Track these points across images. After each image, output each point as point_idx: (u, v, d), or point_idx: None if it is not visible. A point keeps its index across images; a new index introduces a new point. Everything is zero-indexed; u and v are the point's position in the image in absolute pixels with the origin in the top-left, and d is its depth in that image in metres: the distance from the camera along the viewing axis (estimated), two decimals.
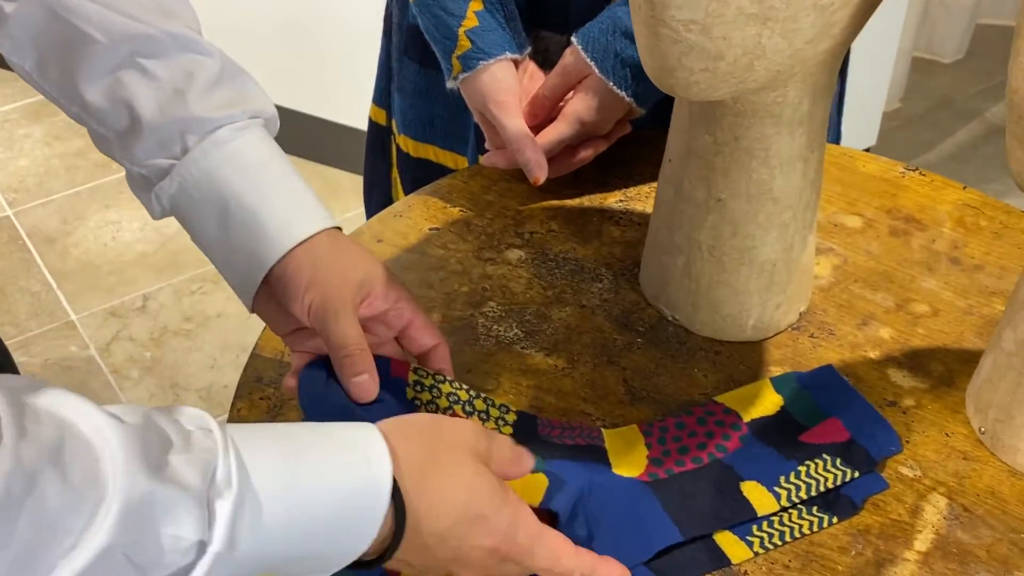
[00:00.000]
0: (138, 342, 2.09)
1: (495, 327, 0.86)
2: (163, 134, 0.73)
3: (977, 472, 0.76)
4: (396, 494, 0.57)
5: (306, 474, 0.55)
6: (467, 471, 0.61)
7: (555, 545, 0.63)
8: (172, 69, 0.73)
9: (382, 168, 1.21)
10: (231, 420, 0.80)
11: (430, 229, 0.95)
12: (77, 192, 2.44)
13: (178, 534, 0.49)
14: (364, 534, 0.56)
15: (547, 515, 0.68)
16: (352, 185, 2.43)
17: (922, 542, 0.72)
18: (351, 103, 2.01)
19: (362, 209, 1.29)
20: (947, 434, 0.78)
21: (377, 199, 1.23)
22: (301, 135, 2.42)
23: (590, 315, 0.87)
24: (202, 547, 0.50)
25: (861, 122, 2.29)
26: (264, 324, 0.84)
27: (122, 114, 0.74)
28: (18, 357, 2.01)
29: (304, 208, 0.74)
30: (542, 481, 0.69)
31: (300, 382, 0.72)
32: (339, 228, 0.76)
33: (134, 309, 2.16)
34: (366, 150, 1.23)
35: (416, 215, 0.96)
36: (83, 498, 0.48)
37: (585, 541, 0.68)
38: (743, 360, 0.84)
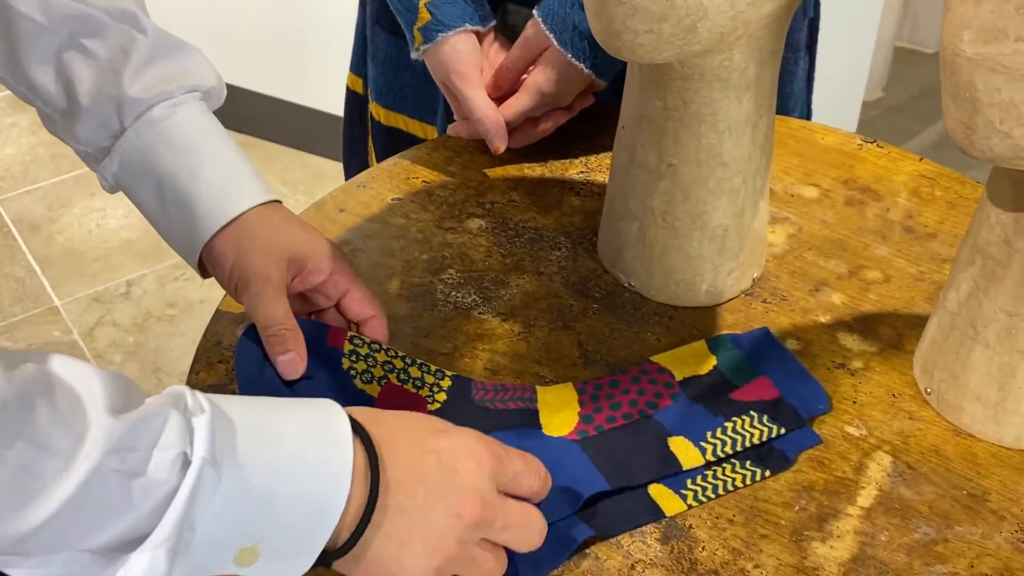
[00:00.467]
0: (121, 327, 2.10)
1: (454, 293, 0.87)
2: (100, 115, 0.75)
3: (922, 431, 0.77)
4: (357, 429, 0.59)
5: (269, 412, 0.58)
6: (406, 415, 0.62)
7: (518, 451, 0.65)
8: (111, 47, 0.75)
9: (360, 135, 1.22)
10: (189, 383, 0.81)
11: (392, 199, 0.96)
12: (62, 180, 2.45)
13: (163, 445, 0.52)
14: (340, 463, 0.57)
15: None
16: (336, 173, 2.44)
17: (865, 498, 0.73)
18: (334, 90, 2.03)
19: None
20: (894, 395, 0.80)
21: (356, 166, 1.24)
22: (284, 123, 2.44)
23: (548, 282, 0.89)
24: (186, 461, 0.52)
25: (841, 111, 2.30)
26: None
27: (64, 94, 0.75)
28: (2, 342, 2.03)
29: (234, 187, 0.76)
30: None
31: (236, 358, 0.75)
32: (277, 201, 0.77)
33: (118, 295, 2.17)
34: (344, 118, 1.24)
35: (379, 186, 0.97)
36: (70, 424, 0.51)
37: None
38: (696, 324, 0.85)
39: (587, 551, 0.70)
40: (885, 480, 0.74)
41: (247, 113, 2.47)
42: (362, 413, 0.61)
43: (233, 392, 0.79)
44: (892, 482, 0.74)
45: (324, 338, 0.77)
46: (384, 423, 0.61)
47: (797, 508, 0.72)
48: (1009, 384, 0.74)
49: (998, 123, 0.61)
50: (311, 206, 0.95)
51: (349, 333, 0.77)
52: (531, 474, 0.65)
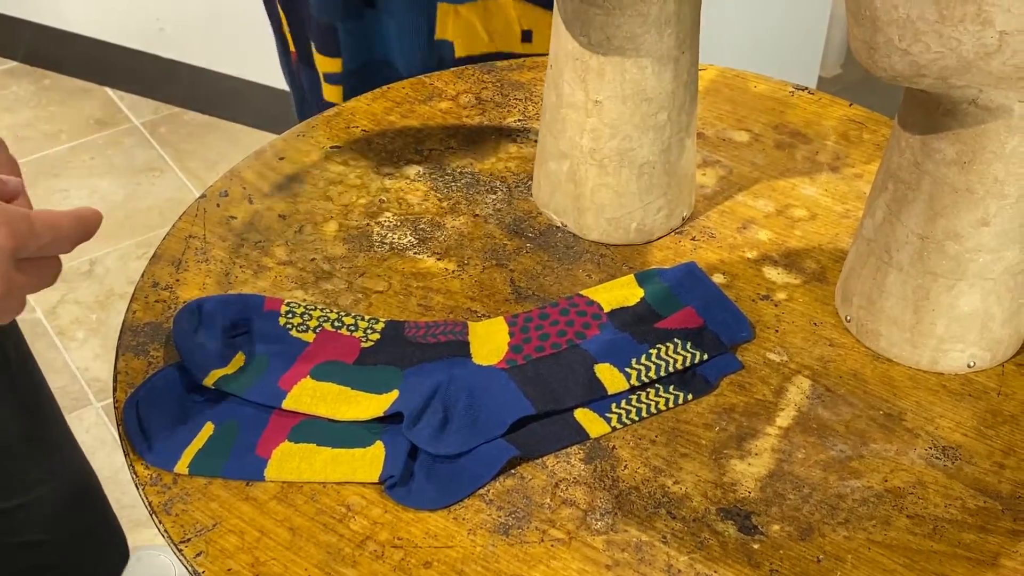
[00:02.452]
0: (84, 305, 2.10)
1: (390, 235, 0.89)
2: None
3: (842, 356, 0.79)
4: None
5: None
6: None
7: (50, 215, 0.65)
8: None
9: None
10: (126, 321, 0.82)
11: (331, 147, 0.97)
12: (27, 161, 2.44)
13: None
14: None
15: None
16: None
17: (784, 418, 0.75)
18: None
19: None
20: (815, 324, 0.82)
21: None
22: (247, 103, 2.44)
23: (483, 223, 0.90)
24: None
25: None
26: (168, 231, 0.88)
27: None
28: None
29: None
30: (393, 396, 0.74)
31: (173, 324, 0.78)
32: None
33: (80, 273, 2.17)
34: None
35: (319, 135, 0.98)
36: None
37: (440, 424, 0.71)
38: (627, 261, 0.87)
39: (512, 471, 0.72)
40: (804, 402, 0.76)
41: (207, 93, 2.48)
42: None
43: (167, 331, 0.80)
44: (811, 404, 0.76)
45: (260, 305, 0.80)
46: None
47: (717, 429, 0.74)
48: (923, 306, 0.76)
49: (897, 40, 0.63)
50: (251, 154, 0.96)
51: (285, 300, 0.81)
52: (60, 241, 0.65)
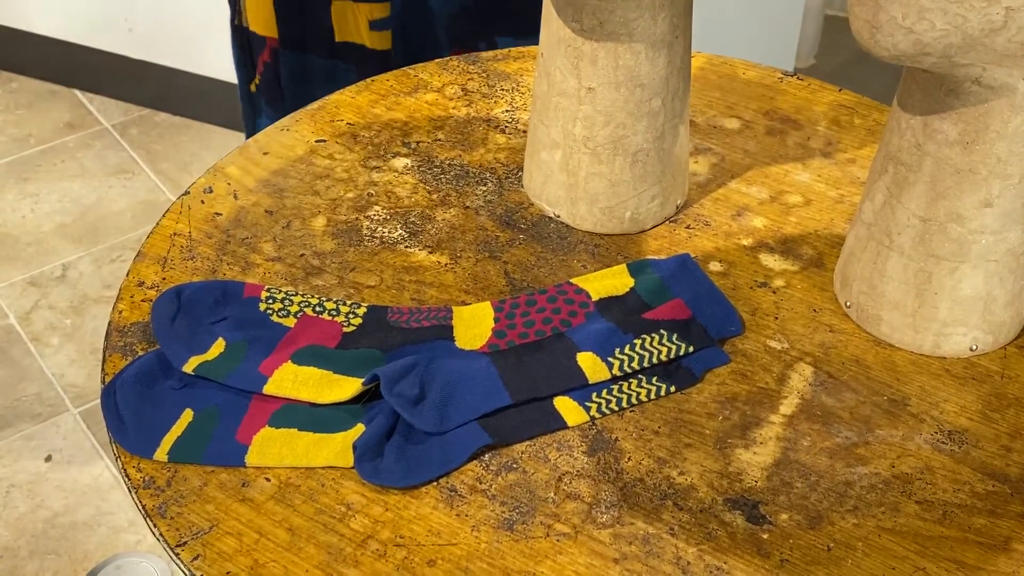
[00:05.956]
0: (58, 310, 2.07)
1: (380, 229, 0.87)
2: None
3: (843, 343, 0.78)
4: None
5: None
6: None
7: None
8: None
9: None
10: (112, 322, 0.80)
11: (316, 141, 0.95)
12: None
13: None
14: None
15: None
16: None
17: (787, 406, 0.74)
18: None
19: None
20: (815, 310, 0.81)
21: None
22: (193, 97, 2.41)
23: (474, 215, 0.89)
24: None
25: None
26: (152, 227, 0.86)
27: None
28: None
29: None
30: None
31: (152, 312, 0.77)
32: None
33: (53, 278, 2.14)
34: None
35: (303, 129, 0.97)
36: None
37: (415, 398, 0.70)
38: (621, 251, 0.86)
39: (514, 464, 0.70)
40: (807, 389, 0.75)
41: (178, 94, 2.45)
42: None
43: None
44: (814, 391, 0.75)
45: (241, 291, 0.79)
46: None
47: (721, 418, 0.73)
48: (925, 290, 0.75)
49: (900, 19, 0.62)
50: (235, 150, 0.94)
51: (265, 286, 0.79)
52: None
